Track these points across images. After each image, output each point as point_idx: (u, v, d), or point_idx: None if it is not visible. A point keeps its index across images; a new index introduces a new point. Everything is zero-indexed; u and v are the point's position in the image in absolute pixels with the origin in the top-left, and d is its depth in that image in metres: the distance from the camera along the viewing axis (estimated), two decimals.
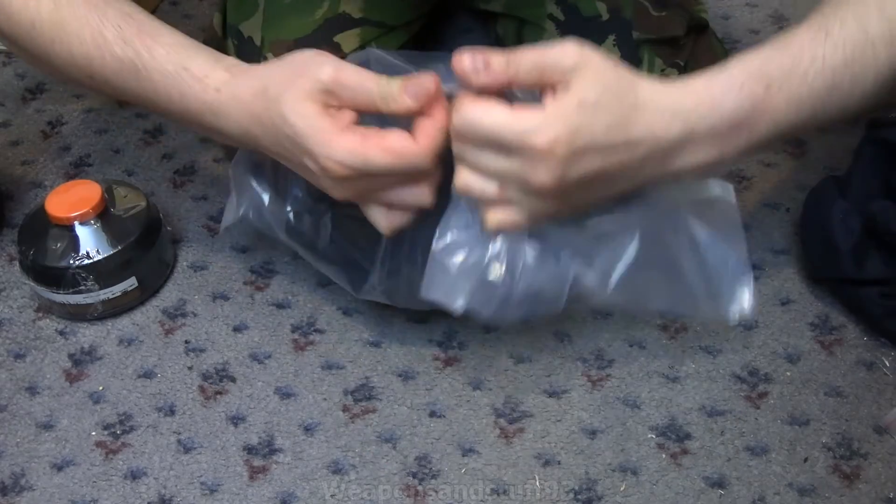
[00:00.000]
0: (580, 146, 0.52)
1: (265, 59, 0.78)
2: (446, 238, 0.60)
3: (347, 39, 0.80)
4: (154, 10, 1.09)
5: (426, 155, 0.55)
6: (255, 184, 0.69)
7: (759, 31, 1.04)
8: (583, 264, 0.63)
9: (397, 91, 0.55)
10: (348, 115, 0.56)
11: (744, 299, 0.66)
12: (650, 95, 0.54)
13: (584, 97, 0.52)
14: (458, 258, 0.60)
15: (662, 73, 0.80)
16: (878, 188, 0.73)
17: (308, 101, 0.56)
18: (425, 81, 0.55)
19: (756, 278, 0.78)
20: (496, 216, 0.57)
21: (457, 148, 0.56)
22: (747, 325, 0.74)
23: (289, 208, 0.68)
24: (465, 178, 0.56)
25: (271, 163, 0.67)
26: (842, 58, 0.57)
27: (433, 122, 0.56)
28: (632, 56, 0.79)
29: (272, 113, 0.57)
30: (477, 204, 0.58)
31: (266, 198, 0.69)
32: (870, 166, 0.74)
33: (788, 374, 0.71)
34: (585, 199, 0.57)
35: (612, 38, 0.80)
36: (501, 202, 0.56)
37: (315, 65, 0.56)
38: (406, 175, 0.57)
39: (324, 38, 0.79)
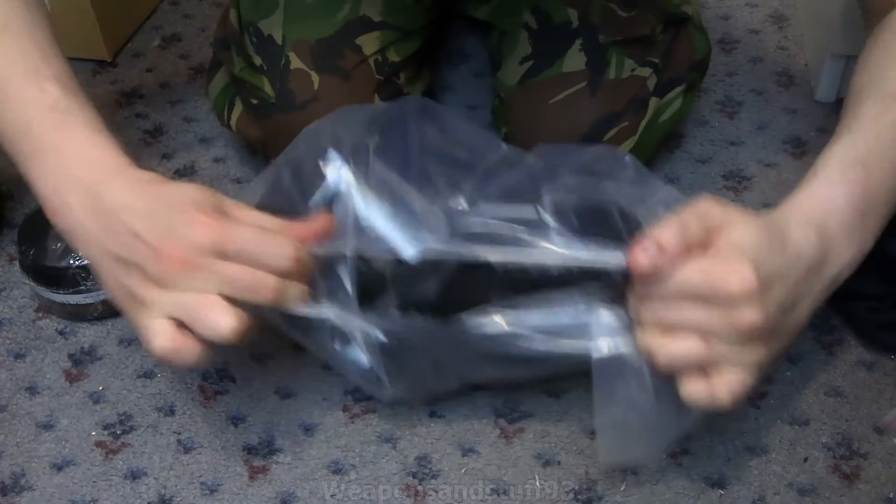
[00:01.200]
0: (766, 276, 0.52)
1: (287, 58, 0.79)
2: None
3: (368, 42, 0.80)
4: (154, 11, 1.09)
5: (292, 245, 0.55)
6: None
7: (759, 31, 1.04)
8: None
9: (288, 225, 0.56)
10: None
11: None
12: (782, 215, 0.56)
13: (744, 237, 0.53)
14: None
15: (633, 73, 0.80)
16: None
17: (208, 197, 0.55)
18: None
19: None
20: (723, 381, 0.53)
21: (659, 311, 0.54)
22: None
23: None
24: (669, 346, 0.54)
25: None
26: None
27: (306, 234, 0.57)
28: (598, 59, 0.80)
29: (153, 184, 0.56)
30: (685, 380, 0.54)
31: None
32: None
33: (788, 374, 0.71)
34: (786, 332, 0.55)
35: (578, 42, 0.80)
36: (713, 363, 0.53)
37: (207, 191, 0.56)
38: (256, 270, 0.54)
39: (345, 40, 0.80)
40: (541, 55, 0.82)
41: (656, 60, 0.81)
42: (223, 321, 0.53)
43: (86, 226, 0.56)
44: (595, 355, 0.57)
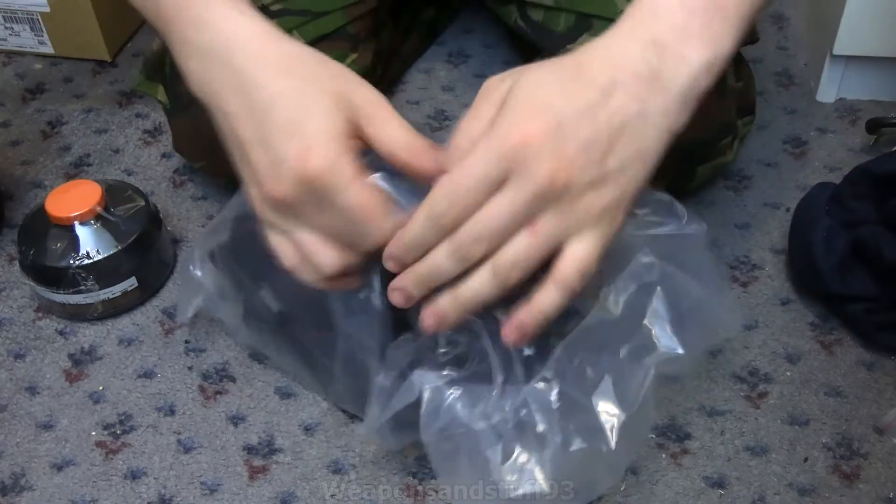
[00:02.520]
0: (561, 111, 0.49)
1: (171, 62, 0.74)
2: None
3: None
4: None
5: (380, 231, 0.52)
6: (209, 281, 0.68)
7: (758, 31, 1.04)
8: None
9: (425, 149, 0.52)
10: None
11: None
12: (591, 44, 0.52)
13: (528, 86, 0.51)
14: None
15: (737, 84, 0.76)
16: (866, 213, 0.72)
17: (337, 115, 0.51)
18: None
19: (756, 278, 0.78)
20: (565, 263, 0.50)
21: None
22: (747, 325, 0.74)
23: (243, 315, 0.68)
24: (501, 257, 0.50)
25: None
26: None
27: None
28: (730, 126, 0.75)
29: (306, 72, 0.52)
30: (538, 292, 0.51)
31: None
32: (856, 190, 0.74)
33: (788, 374, 0.71)
34: (635, 157, 0.50)
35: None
36: (559, 241, 0.50)
37: (356, 82, 0.53)
38: (325, 247, 0.53)
39: None
40: None
41: (744, 76, 0.77)
42: (328, 262, 0.53)
43: (207, 88, 0.54)
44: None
